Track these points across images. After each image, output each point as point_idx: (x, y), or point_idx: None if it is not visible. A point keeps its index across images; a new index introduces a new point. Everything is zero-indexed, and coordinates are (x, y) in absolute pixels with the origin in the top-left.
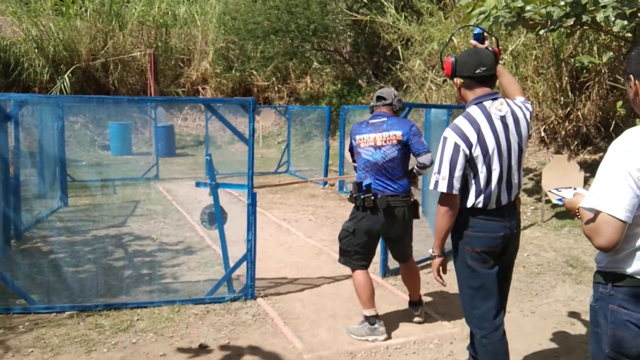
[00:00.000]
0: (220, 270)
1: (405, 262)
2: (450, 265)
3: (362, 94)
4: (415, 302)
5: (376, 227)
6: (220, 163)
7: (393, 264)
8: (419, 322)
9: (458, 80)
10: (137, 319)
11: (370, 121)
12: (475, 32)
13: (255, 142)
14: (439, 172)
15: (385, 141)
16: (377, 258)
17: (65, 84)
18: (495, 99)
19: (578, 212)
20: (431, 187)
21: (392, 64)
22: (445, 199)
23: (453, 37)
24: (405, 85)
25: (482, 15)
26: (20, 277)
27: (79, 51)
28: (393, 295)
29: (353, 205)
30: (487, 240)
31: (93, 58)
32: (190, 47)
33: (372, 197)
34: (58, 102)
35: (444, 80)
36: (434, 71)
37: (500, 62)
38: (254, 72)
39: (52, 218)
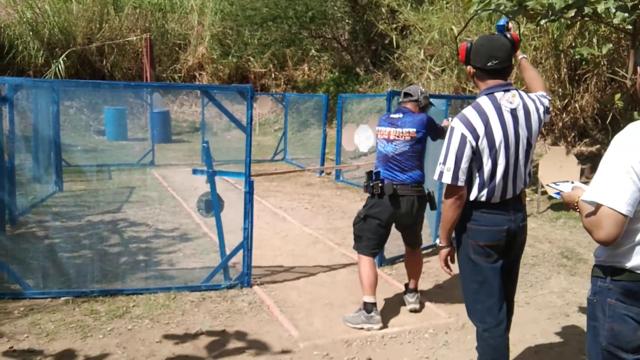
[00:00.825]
0: (217, 257)
1: (414, 248)
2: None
3: (360, 82)
4: (412, 289)
5: (385, 214)
6: (216, 150)
7: (389, 253)
8: (415, 310)
9: (471, 69)
10: (133, 306)
11: (390, 115)
12: (500, 23)
13: (252, 129)
14: (444, 163)
15: (397, 136)
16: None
17: (60, 67)
18: (507, 90)
19: (577, 205)
20: (435, 177)
21: (390, 52)
22: (450, 190)
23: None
24: (402, 75)
25: (482, 4)
26: (14, 262)
27: (75, 34)
28: (389, 284)
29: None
30: (491, 234)
31: (88, 42)
32: (186, 32)
33: (380, 185)
34: (53, 86)
35: (443, 70)
36: (432, 60)
37: (526, 54)
38: (251, 59)
39: (47, 203)
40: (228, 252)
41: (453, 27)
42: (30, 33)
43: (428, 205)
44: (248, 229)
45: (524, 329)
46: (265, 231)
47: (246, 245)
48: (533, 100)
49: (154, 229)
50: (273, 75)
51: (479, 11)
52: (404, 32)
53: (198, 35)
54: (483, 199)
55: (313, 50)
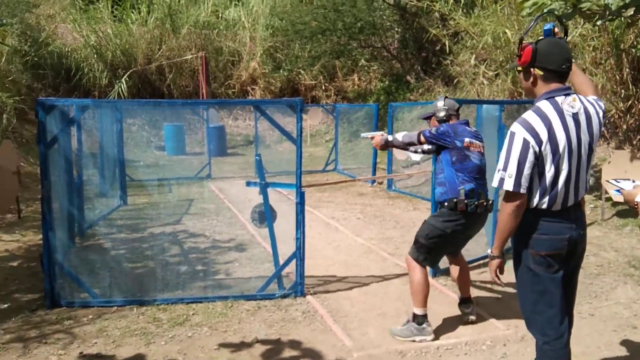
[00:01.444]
0: (271, 267)
1: (456, 256)
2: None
3: (411, 91)
4: (465, 299)
5: (471, 232)
6: (269, 162)
7: (444, 263)
8: (472, 322)
9: (537, 72)
10: (193, 314)
11: (469, 129)
12: (546, 27)
13: (303, 140)
14: (504, 169)
15: (482, 150)
16: None
17: (122, 87)
18: (568, 94)
19: (637, 204)
20: (495, 184)
21: (442, 59)
22: (511, 197)
23: (507, 31)
24: (455, 80)
25: (535, 7)
26: (83, 273)
27: (135, 56)
28: (444, 295)
29: (445, 208)
30: (553, 243)
31: (148, 62)
32: (239, 49)
33: (484, 203)
34: (117, 106)
35: (496, 75)
36: (485, 65)
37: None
38: (302, 72)
39: (112, 216)
40: (281, 262)
41: (507, 30)
42: (95, 56)
43: None
44: (300, 238)
45: (587, 341)
46: (317, 241)
47: (299, 255)
48: (592, 104)
49: (211, 239)
50: (323, 87)
51: (532, 14)
52: (456, 38)
53: (250, 51)
54: (544, 206)
55: (363, 60)
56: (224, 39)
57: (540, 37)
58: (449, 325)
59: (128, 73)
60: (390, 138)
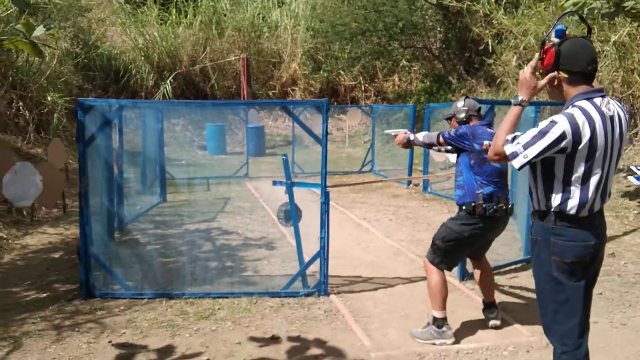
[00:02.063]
0: (297, 266)
1: (480, 259)
2: (527, 274)
3: (452, 91)
4: (490, 304)
5: (489, 235)
6: (306, 162)
7: (472, 267)
8: (496, 326)
9: (562, 75)
10: (218, 308)
11: (489, 130)
12: (558, 29)
13: (342, 141)
14: (525, 148)
15: None
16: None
17: (167, 89)
18: (604, 96)
19: None
20: (507, 152)
21: (485, 58)
22: (503, 159)
23: (552, 24)
24: (498, 80)
25: (576, 6)
26: (118, 266)
27: (180, 58)
28: (470, 299)
29: (463, 211)
30: (579, 250)
31: (192, 64)
32: (280, 50)
33: (504, 207)
34: (157, 107)
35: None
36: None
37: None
38: (341, 72)
39: (151, 212)
40: (307, 260)
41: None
42: (142, 58)
43: None
44: (324, 238)
45: (616, 351)
46: (347, 242)
47: (323, 254)
48: (621, 109)
49: (243, 237)
50: (363, 88)
51: (571, 13)
52: (499, 37)
53: (291, 53)
54: (572, 212)
55: (403, 61)
56: (265, 41)
57: (566, 38)
58: (471, 329)
59: (173, 75)
60: (412, 137)
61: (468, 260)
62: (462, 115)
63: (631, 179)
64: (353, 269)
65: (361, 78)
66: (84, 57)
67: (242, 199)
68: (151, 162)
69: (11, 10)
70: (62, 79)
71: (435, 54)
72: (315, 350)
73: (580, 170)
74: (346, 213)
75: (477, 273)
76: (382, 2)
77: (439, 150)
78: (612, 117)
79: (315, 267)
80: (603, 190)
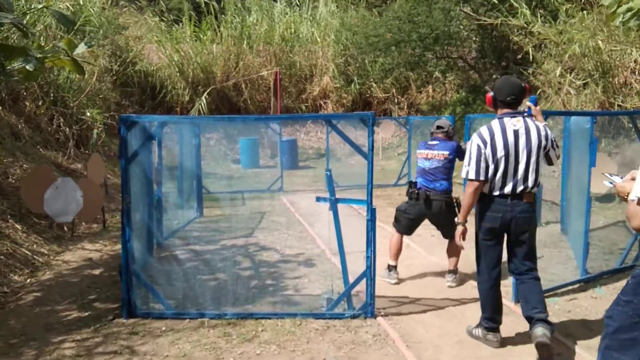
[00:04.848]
0: (340, 284)
1: (452, 239)
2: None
3: None
4: (452, 271)
5: (419, 212)
6: (340, 175)
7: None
8: (451, 287)
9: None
10: (262, 330)
11: (429, 142)
12: (532, 98)
13: (375, 154)
14: (468, 165)
15: (433, 156)
16: (508, 282)
17: (202, 104)
18: (514, 116)
19: (627, 196)
20: (463, 175)
21: (523, 68)
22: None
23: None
24: (539, 90)
25: (629, 13)
26: (159, 283)
27: (214, 73)
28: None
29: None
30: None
31: (226, 79)
32: (312, 64)
33: (417, 192)
34: (195, 122)
35: (585, 84)
36: (572, 74)
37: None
38: (374, 85)
39: (189, 228)
40: (351, 280)
41: (597, 38)
42: (177, 74)
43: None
44: (370, 257)
45: None
46: (388, 259)
47: (369, 274)
48: (536, 126)
49: (281, 253)
50: (396, 100)
51: (626, 22)
52: (539, 47)
53: (322, 66)
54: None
55: (437, 72)
56: (297, 55)
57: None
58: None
59: (208, 90)
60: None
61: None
62: (452, 131)
63: (607, 184)
64: (398, 289)
65: (394, 90)
66: (122, 74)
67: (278, 214)
68: (188, 177)
69: (50, 26)
70: (100, 96)
71: (471, 64)
72: None
73: (491, 167)
74: (385, 228)
75: (447, 246)
76: (416, 13)
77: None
78: (516, 130)
79: (358, 286)
80: (515, 178)
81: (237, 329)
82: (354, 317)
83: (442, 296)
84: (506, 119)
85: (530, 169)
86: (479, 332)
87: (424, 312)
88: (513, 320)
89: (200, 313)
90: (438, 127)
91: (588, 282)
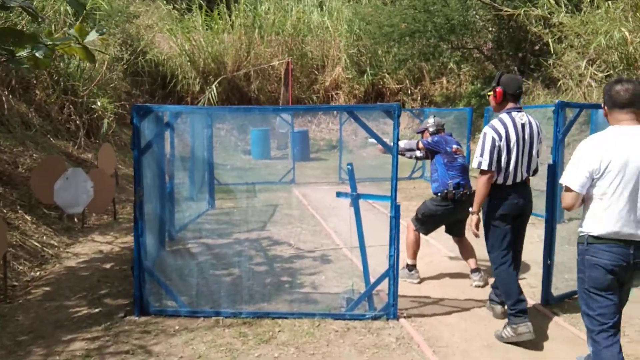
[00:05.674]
0: (359, 282)
1: (459, 237)
2: None
3: None
4: (474, 270)
5: (457, 214)
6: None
7: (558, 291)
8: (478, 286)
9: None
10: (279, 331)
11: (448, 137)
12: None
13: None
14: (481, 156)
15: (461, 152)
16: (537, 281)
17: (212, 94)
18: (519, 111)
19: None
20: (475, 165)
21: (543, 59)
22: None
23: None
24: (559, 83)
25: None
26: (171, 278)
27: (225, 63)
28: (559, 327)
29: (439, 197)
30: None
31: (237, 69)
32: (324, 54)
33: (467, 192)
34: (208, 112)
35: (607, 76)
36: (594, 66)
37: None
38: (387, 75)
39: (200, 220)
40: (372, 279)
41: (623, 29)
42: (188, 63)
43: None
44: (394, 256)
45: None
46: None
47: (392, 273)
48: (535, 121)
49: (295, 248)
50: (409, 91)
51: None
52: (559, 37)
53: (334, 56)
54: (500, 181)
55: (451, 64)
56: (308, 45)
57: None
58: None
59: (218, 80)
60: None
61: (553, 282)
62: (433, 129)
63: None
64: (419, 288)
65: (407, 81)
66: (132, 63)
67: (291, 207)
68: (200, 168)
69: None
70: (111, 85)
71: (487, 55)
72: None
73: (504, 158)
74: (401, 223)
75: (459, 248)
76: (432, 2)
77: (410, 157)
78: (523, 124)
79: (379, 285)
80: (522, 168)
81: (253, 328)
82: (375, 318)
83: (466, 297)
84: (514, 113)
85: (533, 159)
86: (508, 331)
87: (449, 314)
88: (541, 323)
89: (215, 312)
90: (443, 126)
91: None
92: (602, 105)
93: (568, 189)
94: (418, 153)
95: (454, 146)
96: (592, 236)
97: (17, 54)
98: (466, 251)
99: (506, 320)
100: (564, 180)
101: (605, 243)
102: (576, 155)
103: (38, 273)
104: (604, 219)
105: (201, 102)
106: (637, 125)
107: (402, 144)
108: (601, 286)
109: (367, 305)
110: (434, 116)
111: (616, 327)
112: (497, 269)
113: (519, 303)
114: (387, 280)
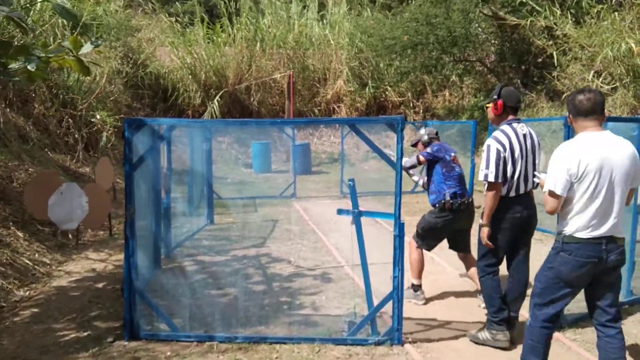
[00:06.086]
0: (361, 303)
1: (464, 252)
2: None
3: None
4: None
5: (457, 224)
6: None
7: (571, 314)
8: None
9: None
10: (276, 357)
11: (446, 145)
12: None
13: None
14: (487, 168)
15: (457, 161)
16: (591, 336)
17: (214, 107)
18: (519, 122)
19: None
20: (481, 177)
21: (546, 72)
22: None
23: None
24: (563, 95)
25: None
26: (165, 299)
27: (227, 76)
28: (573, 353)
29: (437, 208)
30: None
31: (238, 82)
32: (326, 67)
33: (465, 201)
34: (205, 125)
35: (614, 88)
36: (600, 79)
37: None
38: (389, 88)
39: (198, 236)
40: (375, 299)
41: (629, 41)
42: (190, 77)
43: None
44: (398, 277)
45: None
46: (410, 274)
47: (396, 296)
48: (533, 132)
49: (295, 266)
50: (411, 104)
51: None
52: (562, 49)
53: (336, 69)
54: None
55: (454, 76)
56: (310, 58)
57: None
58: None
59: (220, 93)
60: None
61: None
62: (426, 138)
63: (535, 180)
64: (424, 310)
65: (409, 94)
66: (133, 76)
67: (291, 222)
68: (199, 183)
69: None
70: (111, 98)
71: (489, 68)
72: None
73: (510, 169)
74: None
75: (465, 265)
76: (434, 14)
77: (411, 176)
78: (524, 135)
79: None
80: (524, 179)
81: (249, 354)
82: (378, 343)
83: (474, 319)
84: (514, 124)
85: (534, 170)
86: (486, 335)
87: (456, 339)
88: (557, 350)
89: (209, 336)
90: (437, 133)
91: (633, 304)
92: (568, 114)
93: (552, 194)
94: (415, 178)
95: (452, 154)
96: (569, 235)
97: (9, 66)
98: (472, 269)
99: (486, 324)
100: (547, 185)
101: (579, 242)
102: (554, 161)
103: (27, 293)
104: (581, 219)
105: (204, 115)
106: (603, 131)
107: (404, 161)
108: (566, 280)
109: (370, 329)
110: (425, 126)
111: (557, 318)
112: (483, 277)
113: (500, 312)
114: (390, 302)
